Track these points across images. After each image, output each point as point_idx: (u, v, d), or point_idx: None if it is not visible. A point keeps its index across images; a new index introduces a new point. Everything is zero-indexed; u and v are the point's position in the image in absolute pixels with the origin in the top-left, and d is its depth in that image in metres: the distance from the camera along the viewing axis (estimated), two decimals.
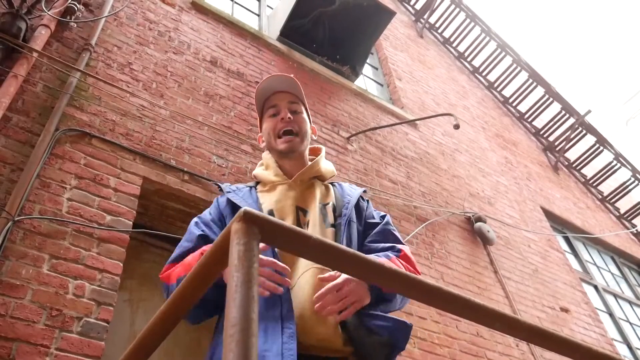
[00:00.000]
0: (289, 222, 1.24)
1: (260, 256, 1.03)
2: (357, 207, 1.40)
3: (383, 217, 1.42)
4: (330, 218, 1.32)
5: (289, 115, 1.41)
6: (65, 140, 2.49)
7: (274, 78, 1.47)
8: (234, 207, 1.33)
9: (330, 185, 1.46)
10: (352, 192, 1.44)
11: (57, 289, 2.00)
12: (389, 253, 1.27)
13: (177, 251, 1.30)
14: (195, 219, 1.37)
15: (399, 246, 1.31)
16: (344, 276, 1.08)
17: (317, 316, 1.09)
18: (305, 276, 1.16)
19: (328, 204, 1.35)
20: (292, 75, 1.48)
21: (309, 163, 1.43)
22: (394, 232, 1.37)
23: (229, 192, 1.36)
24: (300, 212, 1.31)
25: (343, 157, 3.91)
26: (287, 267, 1.07)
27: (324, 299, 1.06)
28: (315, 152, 1.52)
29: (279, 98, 1.46)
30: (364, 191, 1.49)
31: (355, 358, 1.10)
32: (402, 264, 1.25)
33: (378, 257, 1.23)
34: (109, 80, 2.92)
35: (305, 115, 1.48)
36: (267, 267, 1.06)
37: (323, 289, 1.07)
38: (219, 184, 1.44)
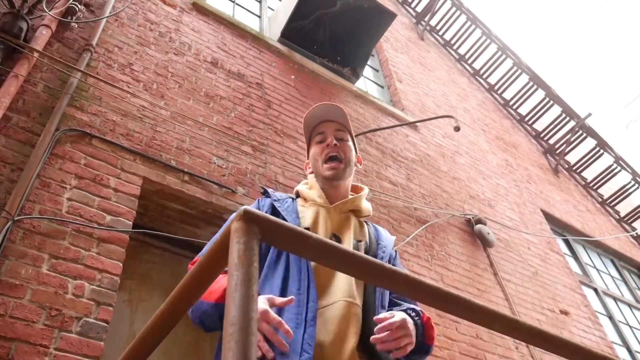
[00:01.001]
0: None
1: (271, 313, 1.03)
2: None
3: None
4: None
5: (334, 141, 1.46)
6: (65, 140, 2.49)
7: (322, 106, 1.52)
8: (276, 216, 1.34)
9: (364, 223, 1.49)
10: (389, 238, 1.49)
11: (56, 289, 2.00)
12: (417, 312, 1.29)
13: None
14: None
15: (419, 309, 1.34)
16: (399, 317, 1.14)
17: (336, 349, 1.11)
18: (333, 308, 1.17)
19: (361, 241, 1.39)
20: (339, 105, 1.52)
21: (350, 195, 1.46)
22: None
23: (275, 200, 1.40)
24: (334, 238, 1.33)
25: None
26: (290, 331, 1.04)
27: (383, 336, 1.11)
28: (355, 190, 1.55)
29: (326, 126, 1.51)
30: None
31: None
32: (430, 325, 1.29)
33: (411, 308, 1.29)
34: (109, 80, 2.92)
35: (350, 143, 1.52)
36: (271, 324, 1.03)
37: (381, 325, 1.12)
38: (266, 188, 1.49)
